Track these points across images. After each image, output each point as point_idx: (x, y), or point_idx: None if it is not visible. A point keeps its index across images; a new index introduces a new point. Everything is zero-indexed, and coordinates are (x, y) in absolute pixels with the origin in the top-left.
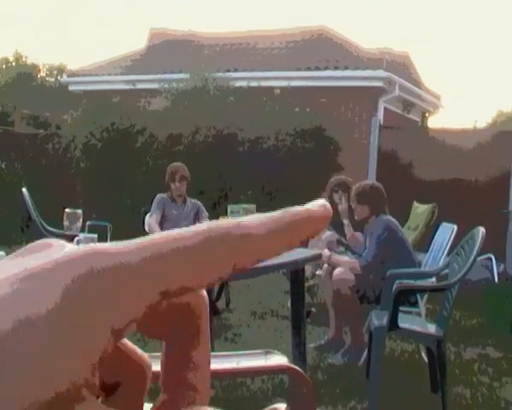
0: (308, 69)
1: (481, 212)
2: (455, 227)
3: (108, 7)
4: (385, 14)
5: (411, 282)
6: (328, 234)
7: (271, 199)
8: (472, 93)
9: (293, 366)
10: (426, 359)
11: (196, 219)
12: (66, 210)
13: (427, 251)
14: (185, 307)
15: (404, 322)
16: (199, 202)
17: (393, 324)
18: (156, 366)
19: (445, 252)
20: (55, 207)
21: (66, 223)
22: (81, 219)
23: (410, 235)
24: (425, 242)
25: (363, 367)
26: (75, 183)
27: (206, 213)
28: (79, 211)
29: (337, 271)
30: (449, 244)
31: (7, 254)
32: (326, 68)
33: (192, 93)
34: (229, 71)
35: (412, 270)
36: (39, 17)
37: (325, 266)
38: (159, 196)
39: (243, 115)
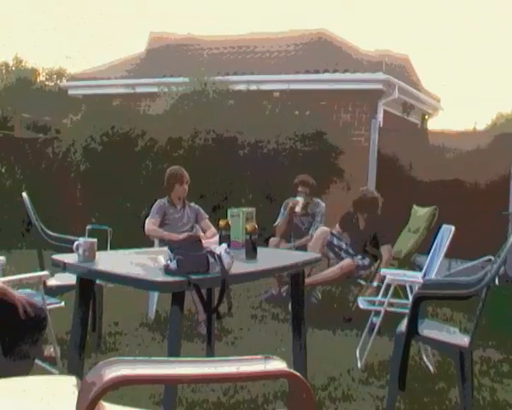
0: (307, 72)
1: (481, 214)
2: (452, 228)
3: (107, 11)
4: (384, 16)
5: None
6: (321, 230)
7: (271, 202)
8: (471, 95)
9: (292, 371)
10: (427, 362)
11: (196, 222)
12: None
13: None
14: None
15: (432, 329)
16: (197, 206)
17: (414, 331)
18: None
19: (442, 253)
20: (56, 211)
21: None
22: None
23: (410, 237)
24: (426, 244)
25: (363, 373)
26: (75, 187)
27: (206, 216)
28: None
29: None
30: (446, 245)
31: (7, 258)
32: (325, 71)
33: (192, 97)
34: (228, 74)
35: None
36: (39, 21)
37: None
38: (159, 201)
39: (243, 119)
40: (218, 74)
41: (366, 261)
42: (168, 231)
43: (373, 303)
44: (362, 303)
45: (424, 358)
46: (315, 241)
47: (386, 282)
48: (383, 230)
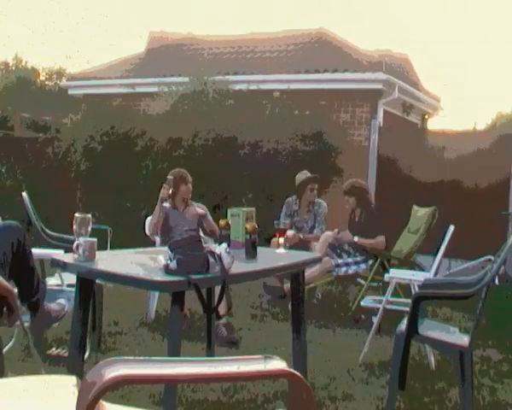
0: (307, 72)
1: (481, 214)
2: (452, 227)
3: (107, 11)
4: (384, 16)
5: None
6: (327, 234)
7: (271, 202)
8: (471, 95)
9: (292, 371)
10: (429, 356)
11: (199, 223)
12: (76, 215)
13: (432, 254)
14: None
15: (432, 329)
16: (201, 205)
17: (414, 330)
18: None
19: (441, 253)
20: (56, 211)
21: (75, 227)
22: (90, 224)
23: (410, 238)
24: (426, 244)
25: (363, 372)
26: (75, 186)
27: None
28: (89, 215)
29: None
30: (444, 244)
31: None
32: (325, 71)
33: (191, 96)
34: (228, 74)
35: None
36: (39, 22)
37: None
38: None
39: (243, 118)
40: (218, 74)
41: (360, 258)
42: (173, 233)
43: (378, 302)
44: (365, 302)
45: (427, 353)
46: (322, 245)
47: (394, 282)
48: (377, 221)
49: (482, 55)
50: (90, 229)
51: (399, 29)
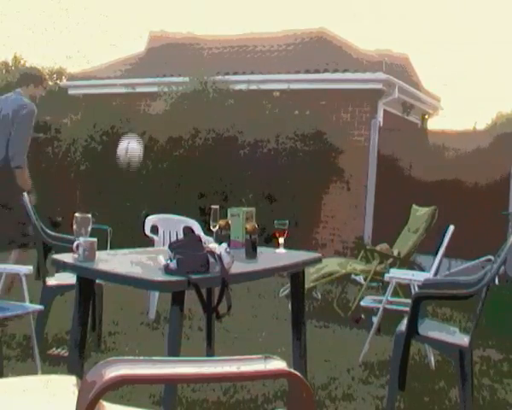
0: (307, 72)
1: (481, 214)
2: (452, 227)
3: (107, 11)
4: (384, 16)
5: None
6: None
7: (271, 202)
8: (472, 95)
9: (292, 370)
10: (429, 355)
11: None
12: (76, 215)
13: (432, 254)
14: None
15: (432, 329)
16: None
17: (414, 330)
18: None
19: (441, 253)
20: (56, 210)
21: (75, 227)
22: (90, 224)
23: (410, 237)
24: (426, 244)
25: (363, 372)
26: (75, 186)
27: None
28: (89, 215)
29: None
30: (444, 244)
31: (7, 258)
32: (325, 71)
33: (192, 96)
34: (228, 74)
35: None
36: (39, 21)
37: None
38: None
39: (243, 118)
40: (218, 74)
41: None
42: None
43: (378, 302)
44: (365, 302)
45: (427, 353)
46: None
47: (394, 282)
48: None
49: (482, 55)
50: (90, 229)
51: (399, 29)
